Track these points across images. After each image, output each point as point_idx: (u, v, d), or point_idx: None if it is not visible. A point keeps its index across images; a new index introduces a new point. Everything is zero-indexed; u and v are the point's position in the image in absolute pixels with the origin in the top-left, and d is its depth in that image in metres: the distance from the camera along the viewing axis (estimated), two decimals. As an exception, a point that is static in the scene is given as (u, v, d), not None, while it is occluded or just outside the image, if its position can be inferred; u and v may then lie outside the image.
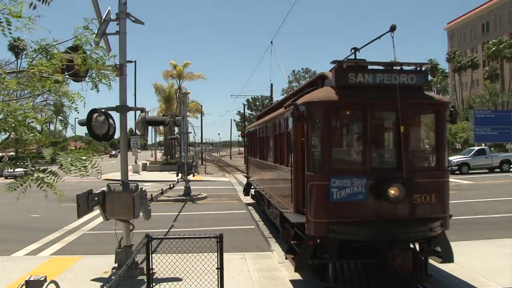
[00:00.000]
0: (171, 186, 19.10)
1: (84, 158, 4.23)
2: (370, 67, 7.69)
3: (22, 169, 4.10)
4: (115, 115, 8.00)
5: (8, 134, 4.35)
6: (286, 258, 8.12)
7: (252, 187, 17.97)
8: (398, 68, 7.46)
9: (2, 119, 3.99)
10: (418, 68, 7.65)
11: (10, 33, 4.00)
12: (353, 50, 8.19)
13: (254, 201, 18.32)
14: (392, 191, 6.77)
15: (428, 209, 7.19)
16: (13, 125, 3.91)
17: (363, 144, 7.29)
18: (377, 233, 6.88)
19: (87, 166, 4.18)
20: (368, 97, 7.24)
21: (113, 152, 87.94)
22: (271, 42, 23.47)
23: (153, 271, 6.55)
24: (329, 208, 6.91)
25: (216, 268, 6.19)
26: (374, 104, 7.34)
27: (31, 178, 3.83)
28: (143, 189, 8.32)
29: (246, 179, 20.10)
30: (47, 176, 3.87)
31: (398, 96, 6.89)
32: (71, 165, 4.07)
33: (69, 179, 4.24)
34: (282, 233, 10.44)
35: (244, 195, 20.23)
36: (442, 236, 7.33)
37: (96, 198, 7.53)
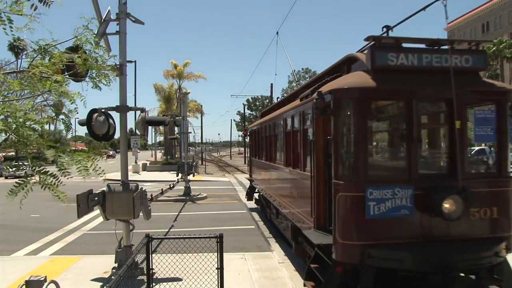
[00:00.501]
0: (171, 186, 19.15)
1: (85, 159, 4.23)
2: (405, 45, 6.07)
3: (23, 171, 4.12)
4: (115, 115, 8.03)
5: (8, 135, 4.35)
6: (304, 286, 6.53)
7: (256, 191, 16.61)
8: (448, 47, 5.99)
9: (2, 119, 3.99)
10: (474, 47, 6.19)
11: (11, 31, 3.98)
12: (385, 29, 6.55)
13: (258, 206, 16.94)
14: (447, 205, 5.38)
15: (490, 227, 5.80)
16: (13, 126, 3.91)
17: (407, 143, 5.83)
18: (428, 260, 5.32)
19: (88, 167, 4.19)
20: (414, 84, 5.81)
21: (111, 153, 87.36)
22: (277, 33, 21.38)
23: (153, 271, 6.55)
24: (365, 226, 5.49)
25: (216, 268, 6.19)
26: (421, 93, 5.90)
27: (32, 180, 3.82)
28: (143, 189, 8.32)
29: (247, 180, 19.22)
30: (48, 178, 3.87)
31: (452, 82, 5.40)
32: (73, 165, 4.08)
33: (68, 179, 4.24)
34: (295, 249, 8.52)
35: (247, 200, 18.59)
36: (504, 260, 5.83)
37: (96, 198, 7.53)
